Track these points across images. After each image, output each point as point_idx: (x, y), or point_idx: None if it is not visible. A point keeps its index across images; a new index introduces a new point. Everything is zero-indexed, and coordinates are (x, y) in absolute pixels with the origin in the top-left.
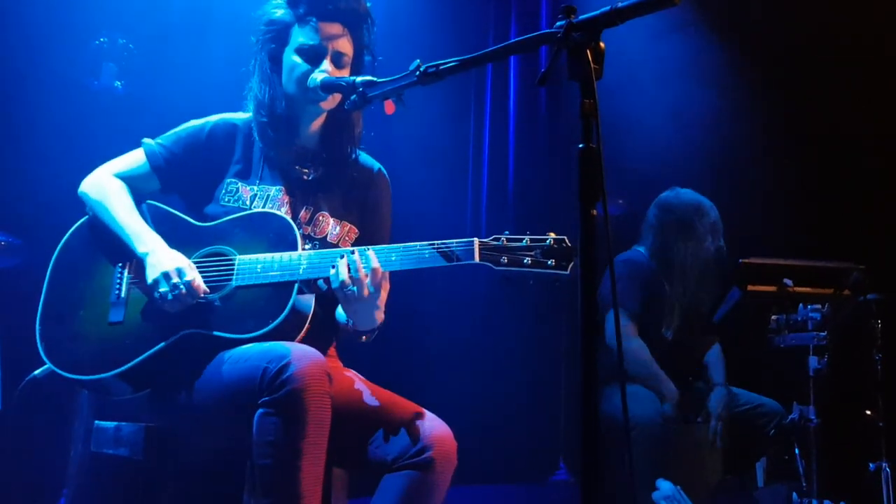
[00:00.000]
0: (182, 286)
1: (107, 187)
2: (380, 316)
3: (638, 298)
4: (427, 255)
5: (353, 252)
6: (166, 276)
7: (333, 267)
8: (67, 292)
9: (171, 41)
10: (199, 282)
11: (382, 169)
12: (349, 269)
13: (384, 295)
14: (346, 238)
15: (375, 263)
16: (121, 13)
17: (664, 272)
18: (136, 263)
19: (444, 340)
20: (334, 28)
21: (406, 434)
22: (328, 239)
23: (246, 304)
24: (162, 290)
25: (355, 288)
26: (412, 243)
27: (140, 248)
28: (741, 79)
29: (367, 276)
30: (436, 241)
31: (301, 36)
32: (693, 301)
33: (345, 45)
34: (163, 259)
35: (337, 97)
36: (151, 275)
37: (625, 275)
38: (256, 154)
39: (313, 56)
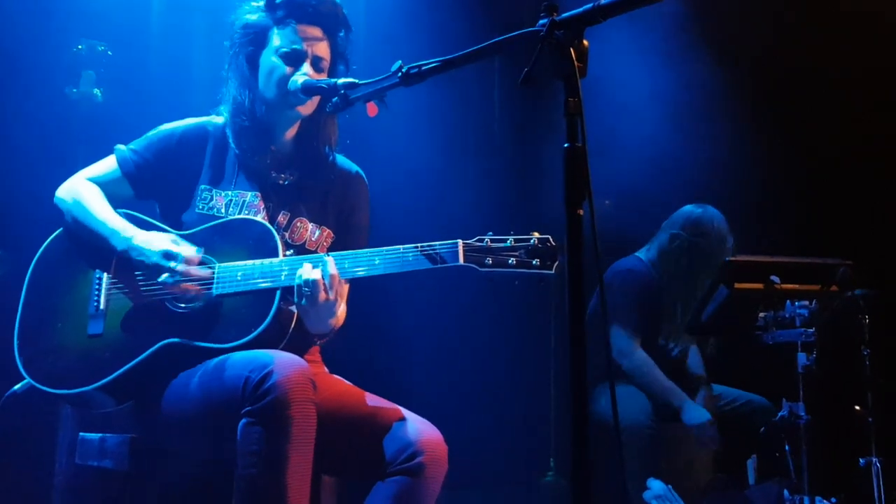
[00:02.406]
0: (179, 257)
1: (80, 190)
2: (335, 322)
3: (636, 312)
4: (411, 258)
5: (317, 262)
6: (167, 254)
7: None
8: (45, 305)
9: (149, 48)
10: (192, 254)
11: (360, 171)
12: (310, 277)
13: (341, 301)
14: (324, 243)
15: (333, 270)
16: (99, 20)
17: (673, 290)
18: (117, 262)
19: (432, 343)
20: (314, 31)
21: (396, 439)
22: (307, 245)
23: (227, 313)
24: (168, 266)
25: (310, 292)
26: (396, 246)
27: (120, 241)
28: (730, 78)
29: (324, 282)
30: (420, 244)
31: (280, 39)
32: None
33: (323, 50)
34: (150, 238)
35: (315, 102)
36: (147, 260)
37: (622, 288)
38: (230, 160)
39: (293, 59)
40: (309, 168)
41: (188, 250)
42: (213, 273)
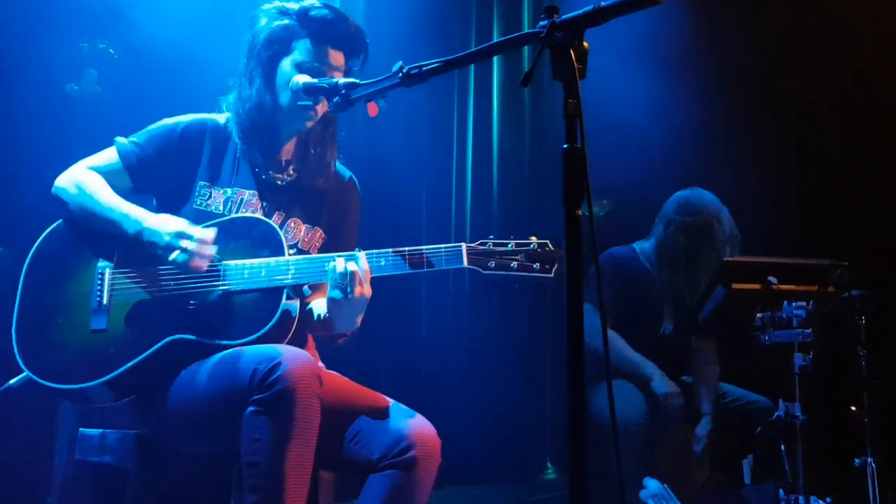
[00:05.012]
0: (192, 238)
1: (83, 177)
2: (359, 319)
3: (613, 295)
4: (416, 260)
5: (349, 256)
6: (179, 235)
7: (332, 262)
8: (44, 299)
9: (151, 46)
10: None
11: (354, 177)
12: (346, 269)
13: (368, 298)
14: (317, 243)
15: (366, 265)
16: (101, 19)
17: (678, 273)
18: (126, 247)
19: (430, 341)
20: (338, 57)
21: (389, 433)
22: (300, 245)
23: (234, 310)
24: (180, 246)
25: (351, 289)
26: (401, 248)
27: (131, 225)
28: (725, 78)
29: (360, 275)
30: (423, 247)
31: (305, 54)
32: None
33: (339, 76)
34: (163, 221)
35: (322, 109)
36: (160, 241)
37: (603, 270)
38: (230, 157)
39: (313, 76)
40: (306, 172)
41: (202, 231)
42: (220, 267)
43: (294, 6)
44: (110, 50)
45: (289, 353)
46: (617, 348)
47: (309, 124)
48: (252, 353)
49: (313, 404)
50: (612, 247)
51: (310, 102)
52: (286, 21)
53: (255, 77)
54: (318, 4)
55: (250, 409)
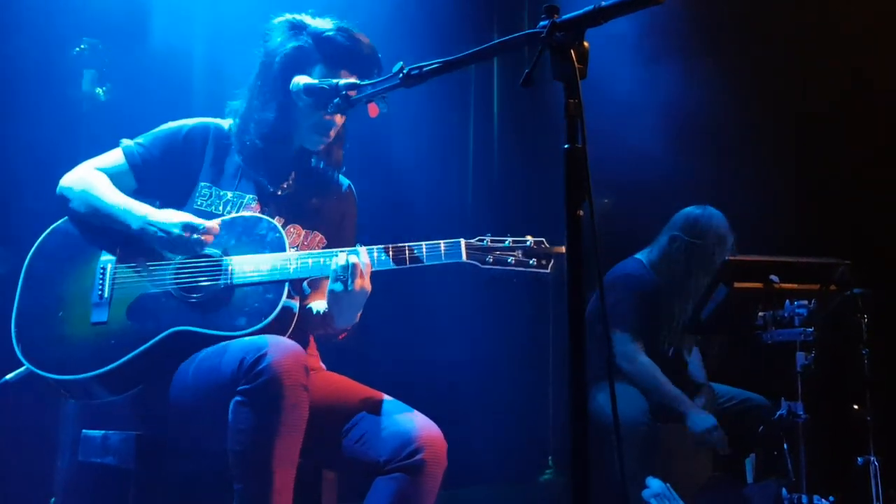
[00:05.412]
0: (201, 227)
1: (89, 176)
2: (358, 315)
3: (636, 316)
4: (416, 255)
5: (351, 251)
6: (187, 227)
7: (333, 258)
8: (44, 295)
9: (151, 46)
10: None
11: (352, 186)
12: (347, 262)
13: (368, 292)
14: (317, 248)
15: (366, 259)
16: (100, 19)
17: (672, 292)
18: (129, 240)
19: (432, 341)
20: (351, 80)
21: (397, 436)
22: (299, 249)
23: (236, 302)
24: (195, 237)
25: (352, 281)
26: (401, 244)
27: (135, 220)
28: (727, 76)
29: (361, 271)
30: (424, 242)
31: (320, 79)
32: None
33: (353, 93)
34: (168, 216)
35: (335, 133)
36: (169, 234)
37: (627, 293)
38: (231, 163)
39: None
40: (308, 183)
41: (208, 221)
42: (222, 261)
43: (308, 20)
44: (110, 50)
45: (275, 344)
46: (653, 379)
47: (322, 147)
48: (240, 344)
49: (300, 395)
50: (617, 259)
51: (310, 100)
52: (300, 43)
53: (267, 100)
54: (331, 28)
55: (236, 398)
